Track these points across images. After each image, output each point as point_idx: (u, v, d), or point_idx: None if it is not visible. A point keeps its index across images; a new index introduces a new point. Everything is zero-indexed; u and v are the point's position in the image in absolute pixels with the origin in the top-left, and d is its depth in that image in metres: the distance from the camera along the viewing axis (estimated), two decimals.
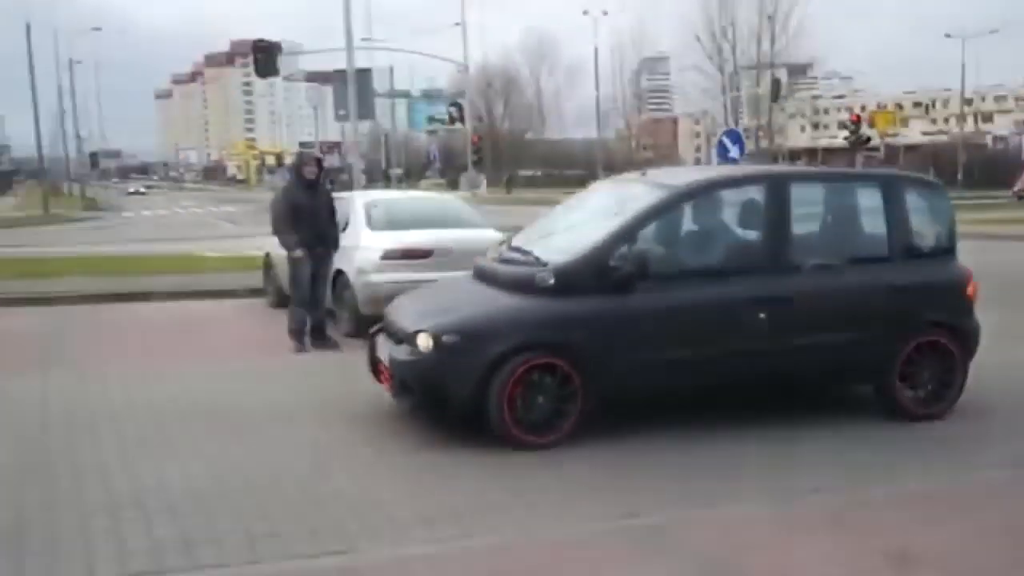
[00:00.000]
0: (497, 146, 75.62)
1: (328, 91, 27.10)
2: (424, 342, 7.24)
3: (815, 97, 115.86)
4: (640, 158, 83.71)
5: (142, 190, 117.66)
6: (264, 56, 25.69)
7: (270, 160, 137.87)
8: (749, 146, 43.94)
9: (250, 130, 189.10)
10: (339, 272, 11.85)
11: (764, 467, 6.82)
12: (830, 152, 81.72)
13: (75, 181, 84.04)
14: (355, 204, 12.88)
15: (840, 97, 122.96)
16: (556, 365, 7.19)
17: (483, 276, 8.14)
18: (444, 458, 6.98)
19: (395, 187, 57.16)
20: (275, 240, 11.83)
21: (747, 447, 7.21)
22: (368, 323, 9.24)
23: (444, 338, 7.20)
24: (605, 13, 79.95)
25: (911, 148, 74.40)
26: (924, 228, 8.42)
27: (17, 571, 5.09)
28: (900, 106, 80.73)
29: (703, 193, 8.16)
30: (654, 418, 7.60)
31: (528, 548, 5.47)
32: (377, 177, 69.43)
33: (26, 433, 7.65)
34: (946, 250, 8.40)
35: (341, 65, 23.90)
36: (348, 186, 24.79)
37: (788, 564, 5.15)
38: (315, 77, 40.66)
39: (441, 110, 73.23)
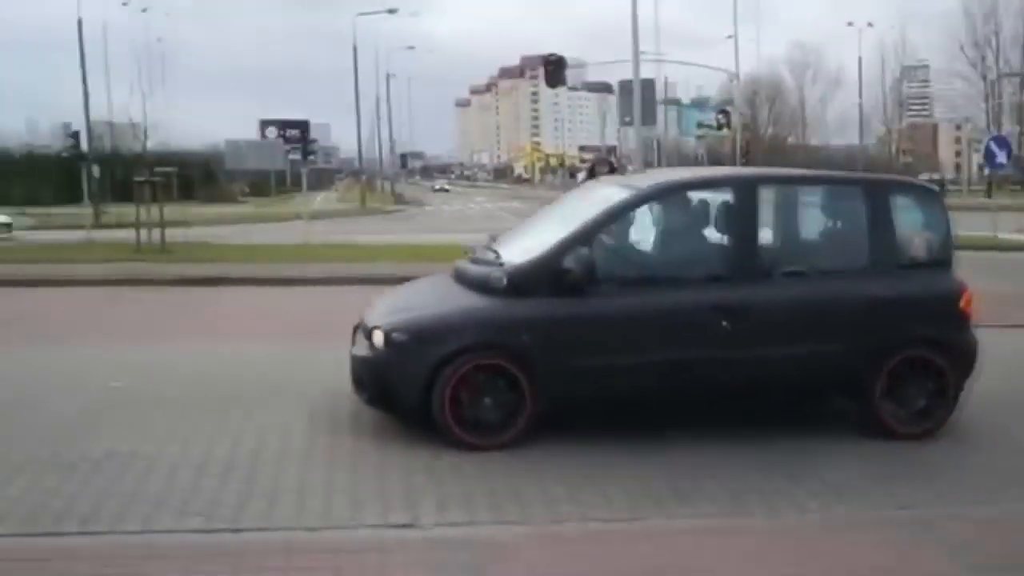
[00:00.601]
0: (760, 151, 73.69)
1: (609, 99, 27.26)
2: (377, 339, 6.81)
3: None
4: (900, 164, 79.91)
5: (446, 187, 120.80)
6: (553, 69, 26.24)
7: (553, 162, 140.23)
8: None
9: (535, 135, 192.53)
10: None
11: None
12: None
13: (386, 179, 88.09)
14: None
15: None
16: (504, 367, 6.63)
17: (456, 275, 7.52)
18: (717, 445, 6.91)
19: None
20: None
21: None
22: None
23: (394, 335, 6.74)
24: (870, 24, 76.61)
25: None
26: (912, 237, 7.39)
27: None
28: None
29: (666, 195, 7.47)
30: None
31: (806, 530, 5.38)
32: None
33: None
34: (938, 261, 7.33)
35: (617, 76, 24.05)
36: None
37: None
38: (595, 87, 41.05)
39: (709, 117, 72.18)
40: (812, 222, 7.74)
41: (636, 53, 22.84)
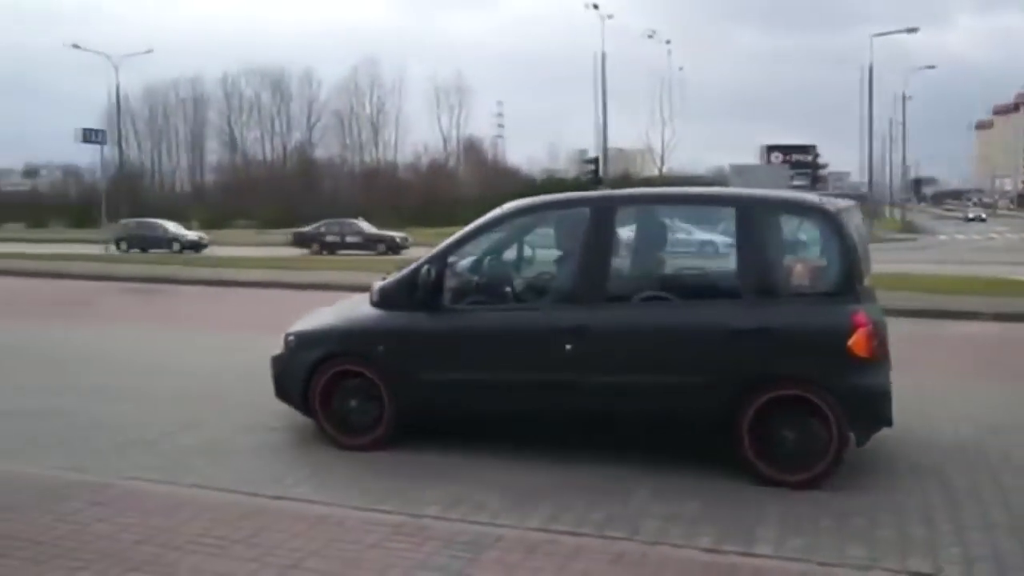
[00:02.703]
0: None
1: None
2: (282, 342, 7.50)
3: None
4: None
5: (982, 216, 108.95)
6: None
7: None
8: None
9: None
10: None
11: None
12: None
13: (895, 205, 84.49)
14: None
15: None
16: (365, 374, 7.05)
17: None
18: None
19: None
20: None
21: None
22: None
23: (289, 339, 7.48)
24: None
25: None
26: (796, 264, 6.68)
27: None
28: None
29: (524, 216, 7.42)
30: None
31: None
32: None
33: None
34: (830, 292, 6.40)
35: None
36: None
37: None
38: None
39: None
40: (681, 245, 7.23)
41: None
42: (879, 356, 6.37)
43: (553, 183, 79.42)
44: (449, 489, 6.18)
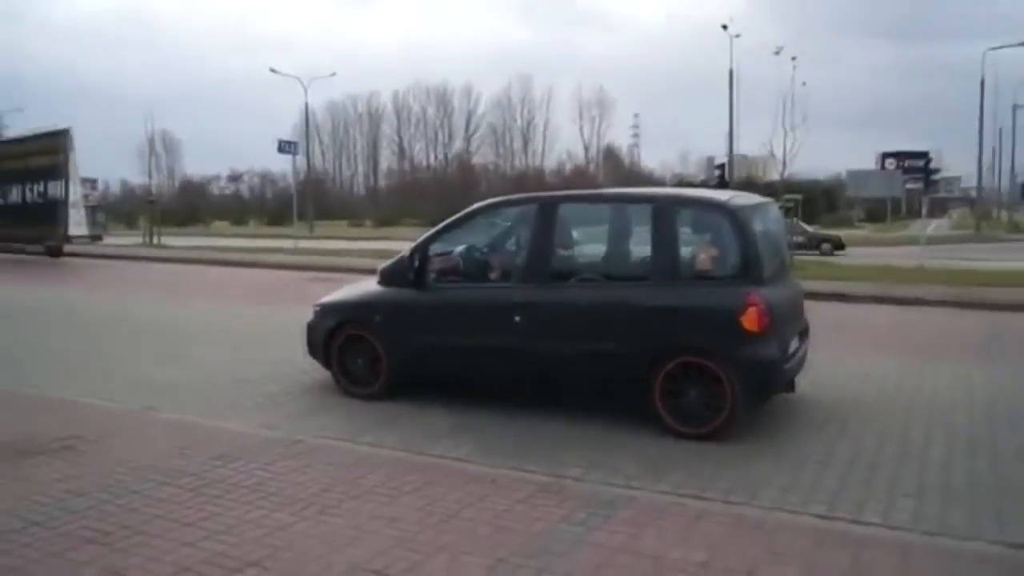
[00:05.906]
0: None
1: None
2: (311, 311, 8.45)
3: None
4: None
5: None
6: None
7: None
8: None
9: None
10: None
11: None
12: None
13: (1004, 208, 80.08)
14: None
15: None
16: (367, 338, 7.88)
17: None
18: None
19: None
20: None
21: None
22: None
23: (315, 309, 8.44)
24: None
25: None
26: (698, 252, 6.97)
27: None
28: None
29: (486, 212, 8.04)
30: None
31: None
32: None
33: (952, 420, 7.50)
34: (729, 276, 6.77)
35: None
36: None
37: None
38: None
39: None
40: (607, 236, 7.63)
41: None
42: (770, 331, 6.59)
43: (682, 186, 78.40)
44: (589, 455, 6.22)
